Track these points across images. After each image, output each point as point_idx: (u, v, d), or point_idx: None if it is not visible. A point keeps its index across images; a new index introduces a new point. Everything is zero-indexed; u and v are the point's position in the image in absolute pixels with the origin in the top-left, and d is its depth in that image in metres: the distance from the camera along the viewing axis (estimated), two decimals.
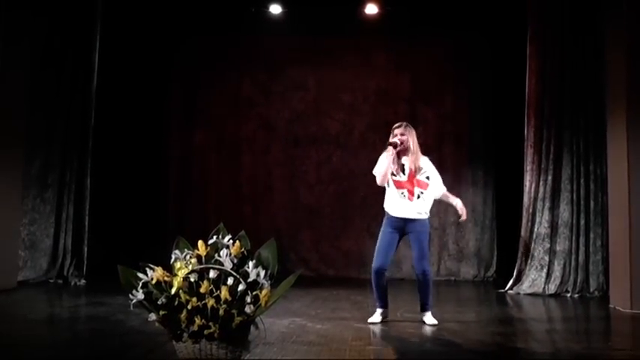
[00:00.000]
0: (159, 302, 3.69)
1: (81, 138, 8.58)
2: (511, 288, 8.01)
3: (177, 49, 10.26)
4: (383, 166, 5.57)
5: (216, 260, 3.75)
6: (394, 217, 5.60)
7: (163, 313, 3.69)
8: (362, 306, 6.53)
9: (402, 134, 5.62)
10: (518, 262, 8.10)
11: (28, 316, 6.03)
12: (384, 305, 5.68)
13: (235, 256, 3.79)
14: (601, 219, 7.80)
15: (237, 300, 3.66)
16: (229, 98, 10.26)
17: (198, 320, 3.60)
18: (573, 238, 7.91)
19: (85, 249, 8.47)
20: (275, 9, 9.56)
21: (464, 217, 5.73)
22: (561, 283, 7.86)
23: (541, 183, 8.07)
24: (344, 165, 10.01)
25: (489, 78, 9.88)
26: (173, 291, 3.67)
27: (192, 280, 3.69)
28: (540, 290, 7.83)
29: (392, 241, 5.58)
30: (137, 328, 5.07)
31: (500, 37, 9.50)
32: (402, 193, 5.58)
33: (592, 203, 7.90)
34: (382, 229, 5.64)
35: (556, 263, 7.92)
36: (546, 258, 7.95)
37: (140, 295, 3.72)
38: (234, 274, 3.68)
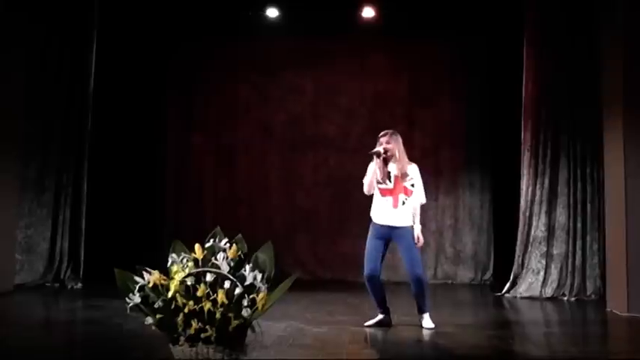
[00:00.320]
0: (155, 306, 3.69)
1: (78, 142, 8.57)
2: (508, 291, 8.01)
3: (174, 53, 10.26)
4: (369, 175, 5.60)
5: (213, 264, 3.75)
6: (379, 225, 5.63)
7: (160, 316, 3.68)
8: (358, 309, 6.53)
9: (387, 142, 5.64)
10: (515, 265, 8.10)
11: (25, 320, 6.02)
12: (383, 311, 5.67)
13: (232, 259, 3.79)
14: (598, 222, 7.82)
15: (233, 303, 3.65)
16: (226, 102, 10.26)
17: (194, 324, 3.60)
18: (570, 241, 7.92)
19: (82, 252, 8.46)
20: (272, 12, 9.56)
21: (418, 243, 5.64)
22: (558, 286, 7.87)
23: (538, 186, 8.09)
24: (341, 168, 10.00)
25: (486, 81, 9.89)
26: (170, 294, 3.67)
27: (188, 283, 3.69)
28: (537, 293, 7.84)
29: (378, 247, 5.59)
30: (134, 332, 5.05)
31: (497, 40, 9.51)
32: (387, 201, 5.60)
33: (589, 206, 7.92)
34: (368, 235, 5.68)
35: (553, 266, 7.93)
36: (543, 261, 7.95)
37: (137, 299, 3.72)
38: (231, 277, 3.68)
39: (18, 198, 7.89)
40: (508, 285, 8.06)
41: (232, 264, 3.78)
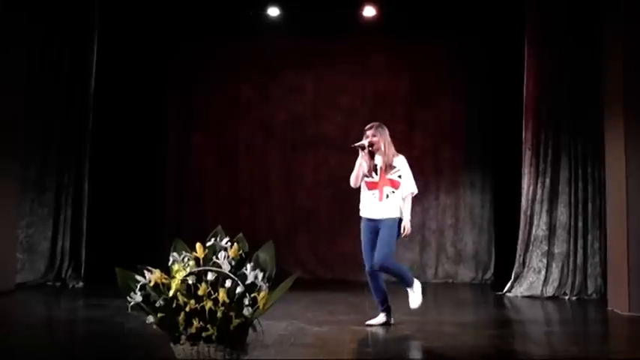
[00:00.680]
0: (157, 304, 3.69)
1: (79, 141, 8.57)
2: (509, 290, 8.01)
3: (175, 52, 10.26)
4: (355, 168, 5.60)
5: (214, 263, 3.75)
6: (365, 219, 5.64)
7: (161, 315, 3.68)
8: (359, 308, 6.53)
9: (372, 135, 5.63)
10: (516, 264, 8.10)
11: (26, 319, 6.03)
12: (384, 310, 5.67)
13: (233, 258, 3.79)
14: (599, 221, 7.81)
15: (235, 302, 3.66)
16: (227, 101, 10.26)
17: (196, 322, 3.60)
18: (571, 240, 7.92)
19: (83, 251, 8.47)
20: (273, 11, 9.56)
21: (404, 233, 5.60)
22: (559, 285, 7.87)
23: (539, 185, 8.08)
24: (341, 168, 9.92)
25: (487, 81, 9.88)
26: (171, 293, 3.67)
27: (190, 282, 3.69)
28: (538, 293, 7.84)
29: (370, 241, 5.58)
30: (135, 331, 5.06)
31: (498, 39, 9.50)
32: (373, 194, 5.59)
33: (590, 206, 7.91)
34: (361, 231, 5.67)
35: (554, 265, 7.93)
36: (544, 260, 7.95)
37: (138, 298, 3.72)
38: (232, 276, 3.68)
39: (19, 197, 7.89)
40: (509, 284, 8.06)
41: (233, 263, 3.78)
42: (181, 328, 3.64)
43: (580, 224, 7.92)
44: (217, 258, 3.75)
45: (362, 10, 9.39)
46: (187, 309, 3.62)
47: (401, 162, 5.65)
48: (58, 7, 8.33)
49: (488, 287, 9.11)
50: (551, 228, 7.99)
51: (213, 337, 3.60)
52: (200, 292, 3.65)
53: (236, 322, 3.63)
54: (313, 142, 10.15)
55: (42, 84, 8.24)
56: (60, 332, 5.68)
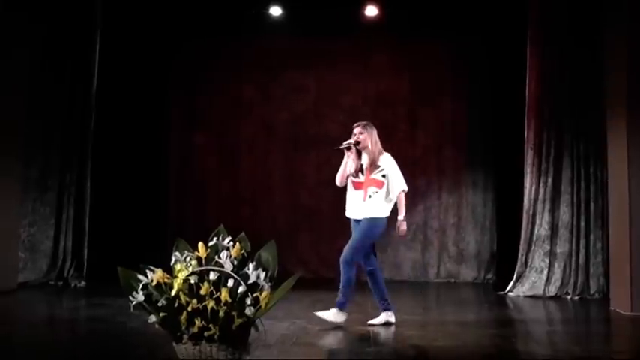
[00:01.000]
0: (159, 304, 3.69)
1: (81, 141, 8.58)
2: (511, 290, 8.00)
3: (177, 52, 10.26)
4: (341, 168, 5.58)
5: (216, 262, 3.75)
6: (349, 219, 5.68)
7: (163, 314, 3.69)
8: (361, 308, 6.52)
9: (360, 133, 5.62)
10: (518, 264, 8.09)
11: (29, 318, 6.04)
12: (385, 309, 5.64)
13: (235, 257, 3.80)
14: (601, 221, 7.80)
15: (237, 302, 3.66)
16: (229, 100, 10.26)
17: (198, 322, 3.60)
18: (573, 240, 7.91)
19: (85, 251, 8.48)
20: (275, 11, 9.56)
21: (399, 232, 5.60)
22: (561, 285, 7.86)
23: (541, 185, 8.08)
24: None
25: (489, 80, 9.87)
26: (173, 292, 3.68)
27: (192, 281, 3.69)
28: (540, 292, 7.83)
29: None
30: (137, 330, 5.07)
31: (500, 39, 9.49)
32: (359, 195, 5.59)
33: (592, 205, 7.90)
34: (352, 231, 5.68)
35: (556, 265, 7.92)
36: (546, 260, 7.94)
37: (140, 297, 3.72)
38: (234, 275, 3.68)
39: (21, 197, 7.90)
40: (511, 283, 8.05)
41: (235, 262, 3.78)
42: (183, 327, 3.64)
43: (582, 224, 7.90)
44: (219, 257, 3.76)
45: (364, 9, 9.39)
46: (189, 308, 3.63)
47: (386, 161, 5.58)
48: (60, 7, 8.34)
49: (490, 287, 9.10)
50: (554, 227, 7.98)
51: (216, 336, 3.61)
52: (202, 292, 3.65)
53: (238, 321, 3.63)
54: (315, 142, 10.13)
55: (44, 84, 8.25)
56: (62, 331, 5.69)
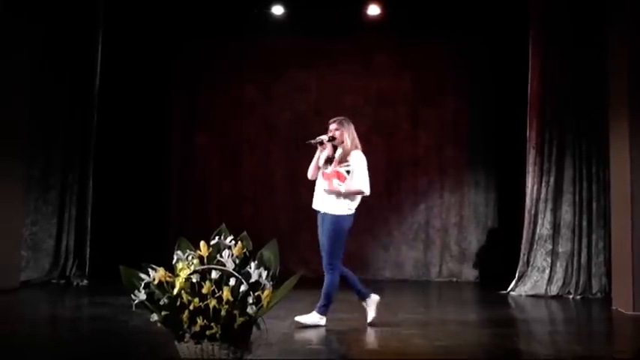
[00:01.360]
0: (161, 303, 3.69)
1: (83, 140, 8.60)
2: (513, 289, 8.01)
3: (179, 52, 10.26)
4: (313, 161, 5.67)
5: (218, 261, 3.75)
6: (315, 210, 5.66)
7: (165, 313, 3.69)
8: (362, 307, 6.52)
9: (335, 129, 5.66)
10: (520, 263, 8.10)
11: (31, 317, 6.05)
12: (364, 297, 5.61)
13: (237, 256, 3.80)
14: (603, 221, 7.80)
15: (239, 301, 3.66)
16: (231, 100, 10.26)
17: (200, 321, 3.61)
18: (575, 239, 7.91)
19: (88, 249, 8.49)
20: (277, 10, 9.56)
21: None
22: (563, 284, 7.86)
23: (543, 184, 8.08)
24: None
25: (491, 79, 9.87)
26: (175, 291, 3.68)
27: (194, 280, 3.69)
28: (542, 292, 7.83)
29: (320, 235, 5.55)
30: (139, 329, 5.08)
31: (502, 38, 9.50)
32: (323, 185, 5.61)
33: (594, 205, 7.90)
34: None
35: (558, 265, 7.92)
36: (548, 259, 7.95)
37: (142, 296, 3.72)
38: (236, 274, 3.69)
39: (23, 196, 7.91)
40: (513, 283, 8.06)
41: (237, 261, 3.78)
42: (185, 326, 3.64)
43: (584, 223, 7.90)
44: (221, 256, 3.76)
45: (366, 9, 9.38)
46: (191, 307, 3.63)
47: (355, 158, 5.54)
48: (61, 7, 8.35)
49: (492, 286, 9.09)
50: (556, 227, 7.98)
51: (217, 335, 3.61)
52: (204, 291, 3.65)
53: (240, 320, 3.64)
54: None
55: (46, 84, 8.27)
56: (64, 330, 5.70)
